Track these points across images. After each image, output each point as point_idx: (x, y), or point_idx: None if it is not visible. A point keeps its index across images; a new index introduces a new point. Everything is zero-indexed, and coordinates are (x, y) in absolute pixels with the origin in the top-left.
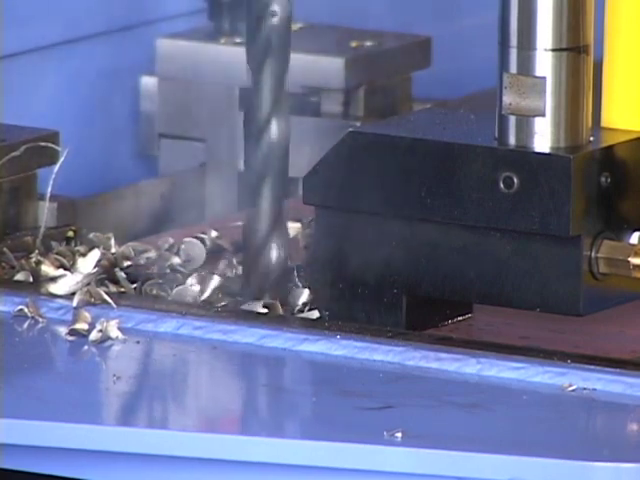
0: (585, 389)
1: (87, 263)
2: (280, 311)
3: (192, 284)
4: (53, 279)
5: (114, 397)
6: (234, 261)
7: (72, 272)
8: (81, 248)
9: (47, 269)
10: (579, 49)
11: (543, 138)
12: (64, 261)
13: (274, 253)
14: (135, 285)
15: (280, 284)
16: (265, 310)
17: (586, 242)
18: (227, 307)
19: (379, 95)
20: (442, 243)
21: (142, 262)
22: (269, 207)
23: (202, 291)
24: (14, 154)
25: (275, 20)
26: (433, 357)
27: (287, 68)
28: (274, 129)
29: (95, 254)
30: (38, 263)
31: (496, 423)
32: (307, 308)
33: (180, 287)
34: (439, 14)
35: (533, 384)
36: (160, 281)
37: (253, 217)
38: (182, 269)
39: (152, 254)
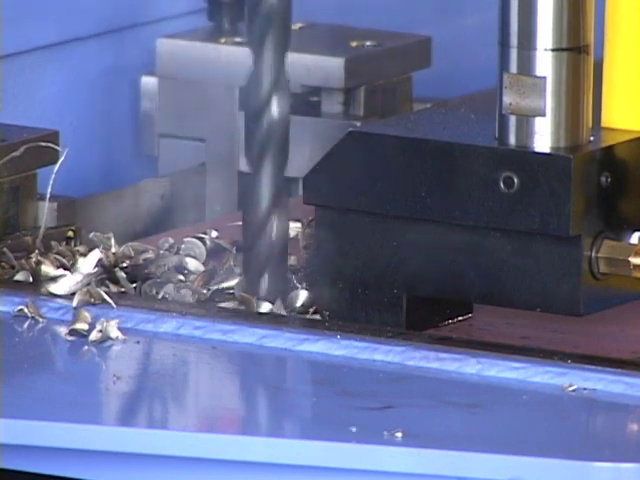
0: (585, 389)
1: (87, 263)
2: (254, 306)
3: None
4: (53, 279)
5: (114, 397)
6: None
7: (72, 272)
8: (81, 248)
9: (47, 269)
10: (579, 49)
11: (543, 138)
12: (64, 261)
13: (275, 230)
14: (135, 285)
15: (281, 260)
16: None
17: (586, 242)
18: (227, 307)
19: (379, 95)
20: (442, 243)
21: (141, 262)
22: (270, 184)
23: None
24: (14, 154)
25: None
26: (433, 357)
27: (288, 45)
28: (274, 106)
29: (95, 254)
30: (38, 263)
31: (496, 423)
32: (311, 311)
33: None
34: (439, 14)
35: (533, 384)
36: (159, 280)
37: (253, 194)
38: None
39: (150, 254)
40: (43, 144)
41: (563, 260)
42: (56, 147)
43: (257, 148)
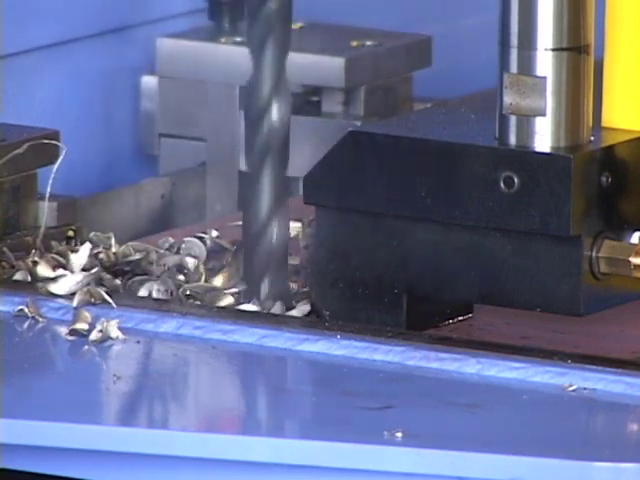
0: (585, 389)
1: (79, 258)
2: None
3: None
4: (53, 279)
5: (114, 397)
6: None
7: (66, 269)
8: (78, 247)
9: (43, 269)
10: (580, 49)
11: (543, 138)
12: (62, 261)
13: (275, 234)
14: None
15: (281, 264)
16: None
17: (586, 242)
18: (227, 307)
19: (379, 95)
20: (442, 243)
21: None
22: (270, 187)
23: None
24: (17, 151)
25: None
26: (433, 357)
27: (288, 50)
28: (275, 111)
29: (86, 247)
30: (35, 263)
31: (496, 423)
32: (300, 303)
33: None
34: (439, 14)
35: (533, 384)
36: (154, 278)
37: (254, 198)
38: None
39: (137, 256)
40: (46, 141)
41: (563, 260)
42: (59, 144)
43: (257, 152)
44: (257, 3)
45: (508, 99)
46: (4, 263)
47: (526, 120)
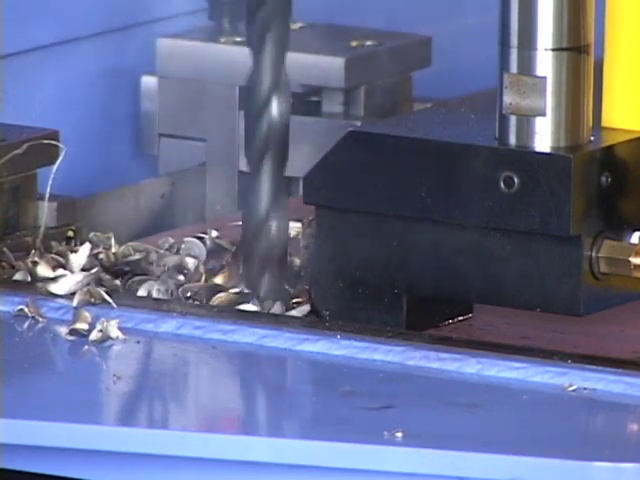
0: (585, 389)
1: (78, 258)
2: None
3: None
4: (53, 279)
5: (114, 397)
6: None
7: (66, 269)
8: (78, 248)
9: (43, 270)
10: (580, 49)
11: (543, 138)
12: (62, 261)
13: (274, 229)
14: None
15: (281, 260)
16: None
17: (586, 242)
18: (227, 307)
19: (379, 95)
20: (442, 243)
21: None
22: (269, 185)
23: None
24: (17, 151)
25: None
26: (433, 357)
27: (287, 44)
28: (274, 107)
29: (86, 248)
30: (35, 264)
31: (496, 423)
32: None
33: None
34: (439, 14)
35: (533, 384)
36: (154, 278)
37: (253, 194)
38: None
39: (136, 257)
40: (46, 141)
41: (563, 260)
42: (59, 144)
43: (257, 148)
44: (256, 3)
45: (508, 99)
46: (4, 263)
47: (526, 120)
